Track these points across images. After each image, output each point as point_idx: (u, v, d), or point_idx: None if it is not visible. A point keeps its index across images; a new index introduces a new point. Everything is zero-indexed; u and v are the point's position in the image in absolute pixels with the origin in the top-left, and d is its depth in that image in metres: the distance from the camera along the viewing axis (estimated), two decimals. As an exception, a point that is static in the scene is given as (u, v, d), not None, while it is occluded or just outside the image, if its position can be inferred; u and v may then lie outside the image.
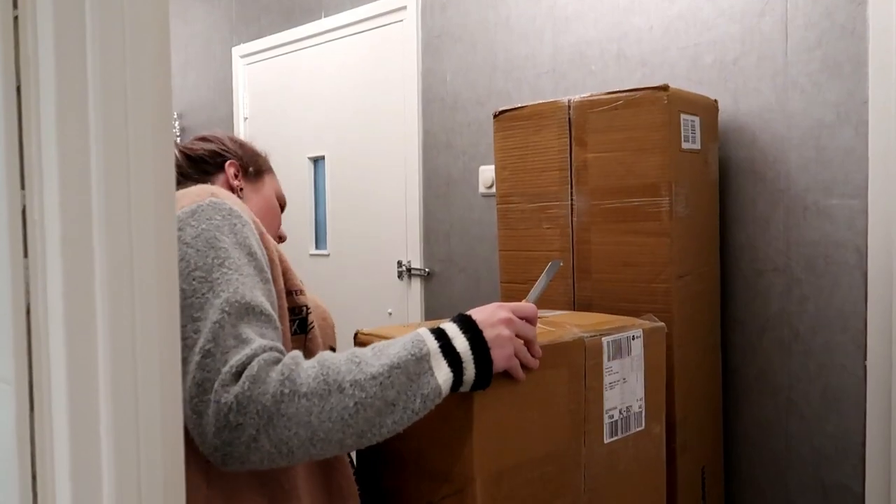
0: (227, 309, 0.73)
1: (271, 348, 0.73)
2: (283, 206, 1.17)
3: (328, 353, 0.77)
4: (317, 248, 3.08)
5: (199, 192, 0.84)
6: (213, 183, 1.05)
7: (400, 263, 2.68)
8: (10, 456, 0.56)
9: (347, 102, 2.88)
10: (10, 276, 0.57)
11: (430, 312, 2.60)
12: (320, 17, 2.92)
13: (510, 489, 0.88)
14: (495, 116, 1.72)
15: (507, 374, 0.86)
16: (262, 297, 0.78)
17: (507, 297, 1.73)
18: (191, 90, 3.60)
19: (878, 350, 1.58)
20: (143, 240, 0.56)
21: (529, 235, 1.66)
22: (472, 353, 0.79)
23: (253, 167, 1.12)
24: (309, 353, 0.82)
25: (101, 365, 0.54)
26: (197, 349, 0.71)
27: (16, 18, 0.57)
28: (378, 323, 2.74)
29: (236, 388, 0.69)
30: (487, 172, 2.35)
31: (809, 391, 1.72)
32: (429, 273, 2.60)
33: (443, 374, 0.77)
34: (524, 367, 0.87)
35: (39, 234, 0.56)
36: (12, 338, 0.57)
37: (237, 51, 3.32)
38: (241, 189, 1.08)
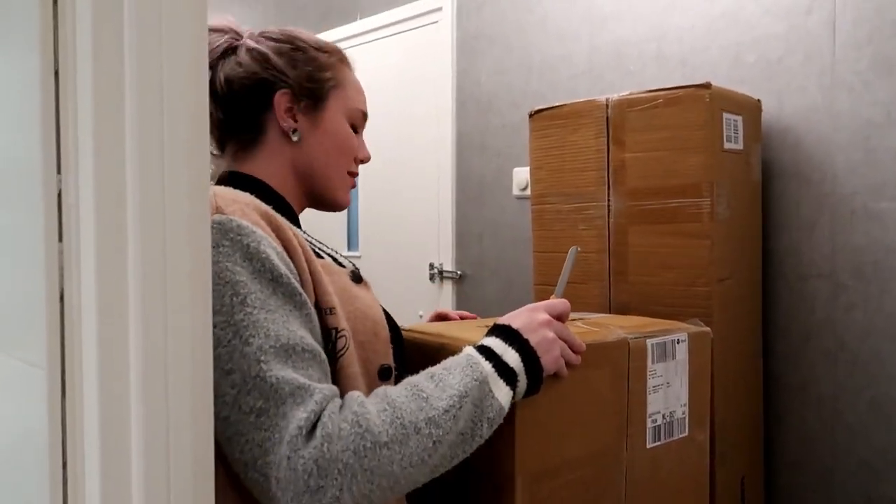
0: (262, 358, 0.66)
1: (332, 395, 0.69)
2: (363, 120, 0.96)
3: (390, 389, 0.72)
4: (349, 249, 3.09)
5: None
6: (259, 138, 0.88)
7: (432, 266, 2.66)
8: (41, 441, 0.56)
9: (381, 104, 2.88)
10: (45, 260, 0.57)
11: (462, 315, 2.58)
12: (356, 19, 2.93)
13: (550, 490, 0.87)
14: (531, 116, 1.70)
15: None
16: (299, 328, 0.70)
17: (540, 298, 1.69)
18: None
19: (930, 360, 1.51)
20: (176, 224, 0.55)
21: (565, 236, 1.63)
22: (524, 365, 0.78)
23: (311, 90, 0.89)
24: (338, 385, 0.75)
25: (133, 351, 0.53)
26: (245, 408, 0.65)
27: (55, 2, 0.57)
28: (409, 325, 2.72)
29: (312, 451, 0.64)
30: (521, 174, 2.32)
31: (856, 402, 1.66)
32: (460, 276, 2.58)
33: (502, 393, 0.75)
34: (568, 365, 0.84)
35: (74, 218, 0.55)
36: (46, 322, 0.56)
37: (274, 53, 3.35)
38: (295, 131, 0.88)
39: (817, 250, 1.71)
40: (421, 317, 2.71)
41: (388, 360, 0.83)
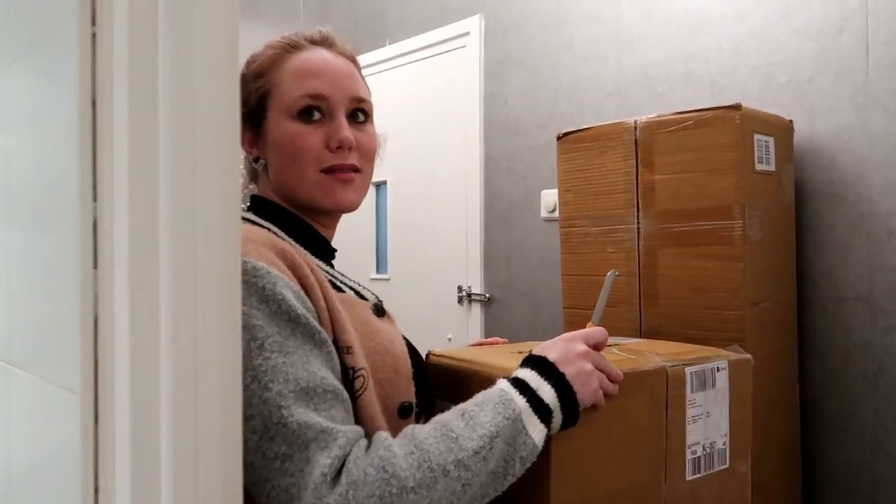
0: (283, 403, 0.65)
1: (357, 437, 0.67)
2: (317, 100, 0.82)
3: (418, 429, 0.70)
4: (378, 272, 3.10)
5: None
6: (253, 166, 0.88)
7: (460, 288, 2.66)
8: (73, 465, 0.56)
9: (410, 127, 2.90)
10: (80, 286, 0.58)
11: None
12: (385, 45, 2.97)
13: None
14: (559, 138, 1.70)
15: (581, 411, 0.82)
16: (320, 367, 0.69)
17: (570, 322, 1.68)
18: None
19: (976, 386, 1.46)
20: (207, 253, 0.56)
21: (593, 259, 1.62)
22: (560, 401, 0.75)
23: (250, 113, 0.84)
24: (359, 423, 0.73)
25: (164, 380, 0.54)
26: (269, 454, 0.64)
27: (94, 35, 0.59)
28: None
29: (337, 498, 0.62)
30: (549, 196, 2.32)
31: (898, 429, 1.60)
32: (489, 298, 2.57)
33: (537, 431, 0.73)
34: (605, 395, 0.82)
35: (108, 245, 0.57)
36: (80, 348, 0.57)
37: (303, 79, 3.41)
38: (258, 159, 0.85)
39: (853, 272, 1.67)
40: (450, 340, 2.70)
41: (410, 397, 0.81)
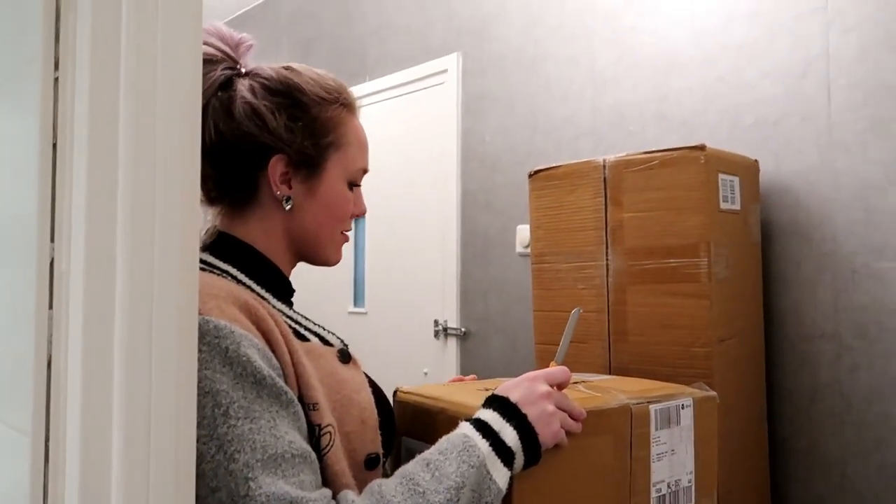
0: (250, 475, 0.63)
1: (325, 502, 0.67)
2: (363, 175, 0.90)
3: (384, 485, 0.70)
4: (355, 305, 3.10)
5: None
6: (251, 198, 0.83)
7: (436, 322, 2.66)
8: (20, 508, 0.56)
9: (389, 162, 2.93)
10: (35, 325, 0.58)
11: (466, 372, 2.56)
12: (365, 80, 3.01)
13: None
14: (530, 176, 1.72)
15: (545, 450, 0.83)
16: (288, 431, 0.68)
17: (542, 358, 1.69)
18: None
19: (939, 424, 1.48)
20: (164, 296, 0.56)
21: (564, 295, 1.64)
22: (522, 444, 0.75)
23: (309, 157, 0.83)
24: (324, 481, 0.73)
25: (116, 422, 0.54)
26: None
27: (56, 80, 0.60)
28: (414, 384, 2.71)
29: None
30: (525, 232, 2.34)
31: (865, 467, 1.62)
32: (465, 333, 2.57)
33: (501, 475, 0.73)
34: (568, 434, 0.82)
35: (65, 286, 0.57)
36: (33, 389, 0.57)
37: (285, 113, 3.44)
38: (289, 199, 0.83)
39: (820, 310, 1.70)
40: (426, 374, 2.70)
41: (377, 447, 0.80)
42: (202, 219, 0.87)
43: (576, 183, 1.63)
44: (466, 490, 0.70)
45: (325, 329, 0.86)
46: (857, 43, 1.65)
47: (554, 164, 1.70)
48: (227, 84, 0.83)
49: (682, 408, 1.02)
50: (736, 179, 1.56)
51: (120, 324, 0.55)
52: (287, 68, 0.86)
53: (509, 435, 0.75)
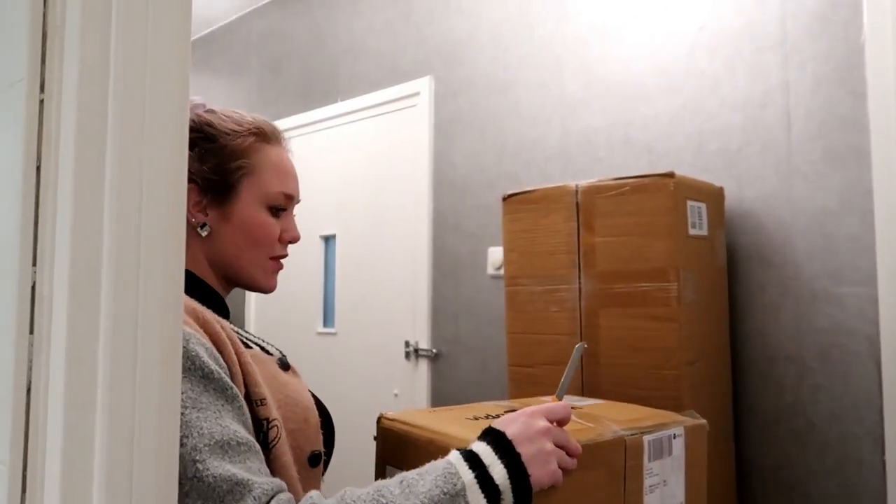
0: (198, 458, 0.65)
1: (276, 489, 0.68)
2: (289, 201, 0.93)
3: (351, 492, 0.70)
4: (325, 325, 3.07)
5: None
6: None
7: (407, 343, 2.65)
8: (-4, 541, 0.54)
9: (360, 183, 2.93)
10: (14, 352, 0.57)
11: (437, 393, 2.56)
12: (336, 101, 3.02)
13: None
14: (504, 199, 1.75)
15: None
16: (232, 422, 0.71)
17: (514, 380, 1.70)
18: (207, 168, 3.69)
19: (897, 443, 1.53)
20: (149, 322, 0.56)
21: (537, 318, 1.65)
22: (511, 483, 0.71)
23: (217, 183, 0.88)
24: (273, 473, 0.75)
25: (98, 451, 0.53)
26: None
27: (41, 101, 0.59)
28: (384, 405, 2.69)
29: None
30: (496, 254, 2.36)
31: (827, 486, 1.66)
32: (436, 354, 2.57)
33: None
34: (564, 470, 0.79)
35: (47, 311, 0.56)
36: (11, 417, 0.56)
37: (254, 132, 3.42)
38: (203, 225, 0.87)
39: (783, 333, 1.74)
40: (396, 395, 2.68)
41: (319, 445, 0.84)
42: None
43: (549, 207, 1.65)
44: None
45: (264, 341, 0.91)
46: (812, 76, 1.72)
47: (527, 189, 1.72)
48: None
49: (674, 437, 1.01)
50: (703, 206, 1.61)
51: (104, 349, 0.54)
52: (209, 111, 0.93)
53: (498, 472, 0.72)
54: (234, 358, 0.77)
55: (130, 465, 0.53)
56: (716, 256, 1.69)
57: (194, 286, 0.86)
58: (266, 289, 0.93)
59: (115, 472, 0.53)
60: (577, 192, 1.62)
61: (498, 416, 0.98)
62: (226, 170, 0.88)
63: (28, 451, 0.55)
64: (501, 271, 2.20)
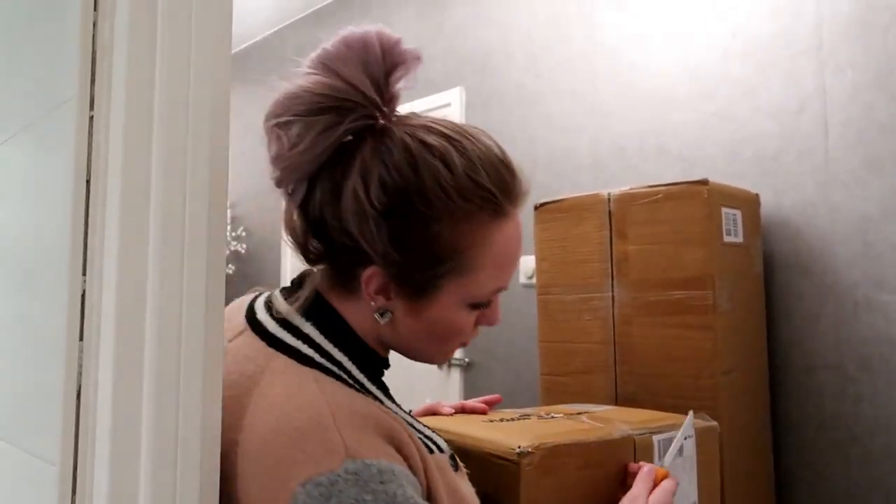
0: None
1: None
2: (499, 292, 0.71)
3: None
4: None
5: (318, 431, 0.58)
6: (351, 286, 0.69)
7: (439, 352, 2.66)
8: (49, 539, 0.57)
9: (391, 193, 2.95)
10: (65, 357, 0.59)
11: (469, 403, 2.56)
12: (368, 114, 3.05)
13: None
14: (536, 208, 1.75)
15: (549, 480, 0.82)
16: None
17: (547, 389, 1.69)
18: (244, 180, 3.77)
19: (943, 456, 1.48)
20: (193, 329, 0.58)
21: (570, 327, 1.65)
22: None
23: (416, 282, 0.66)
24: None
25: (144, 452, 0.55)
26: None
27: (91, 118, 0.62)
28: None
29: None
30: (527, 263, 2.36)
31: (871, 500, 1.61)
32: (468, 363, 2.57)
33: None
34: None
35: (96, 319, 0.58)
36: (61, 419, 0.58)
37: (288, 144, 3.48)
38: (385, 312, 0.68)
39: (823, 342, 1.71)
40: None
41: None
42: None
43: (581, 216, 1.65)
44: None
45: (427, 428, 0.75)
46: (850, 82, 1.69)
47: (559, 197, 1.72)
48: (347, 149, 0.66)
49: (686, 438, 1.03)
50: (738, 213, 1.59)
51: (150, 355, 0.56)
52: (444, 135, 0.68)
53: None
54: (423, 476, 0.63)
55: (175, 465, 0.55)
56: (752, 264, 1.67)
57: (354, 348, 0.69)
58: (438, 364, 0.85)
59: (162, 471, 0.55)
60: (609, 200, 1.61)
61: (512, 419, 1.00)
62: (429, 273, 0.66)
63: (78, 453, 0.57)
64: (534, 280, 2.20)
